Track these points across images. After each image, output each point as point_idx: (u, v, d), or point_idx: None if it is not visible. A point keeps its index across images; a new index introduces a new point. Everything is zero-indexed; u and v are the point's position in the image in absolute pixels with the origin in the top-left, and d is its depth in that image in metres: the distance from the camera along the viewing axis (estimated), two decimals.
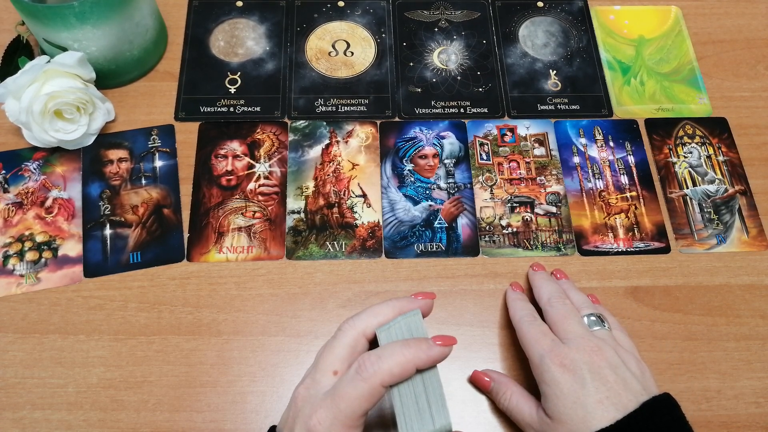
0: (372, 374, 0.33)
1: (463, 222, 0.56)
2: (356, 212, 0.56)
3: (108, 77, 0.60)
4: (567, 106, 0.62)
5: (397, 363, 0.34)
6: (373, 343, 0.38)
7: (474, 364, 0.49)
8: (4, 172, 0.57)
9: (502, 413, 0.47)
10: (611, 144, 0.61)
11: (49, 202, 0.56)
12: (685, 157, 0.60)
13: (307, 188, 0.57)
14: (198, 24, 0.66)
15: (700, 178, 0.59)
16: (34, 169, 0.57)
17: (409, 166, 0.59)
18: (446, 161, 0.59)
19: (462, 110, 0.62)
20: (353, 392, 0.33)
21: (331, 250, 0.55)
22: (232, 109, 0.61)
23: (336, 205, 0.57)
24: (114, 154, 0.58)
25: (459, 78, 0.64)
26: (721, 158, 0.60)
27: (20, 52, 0.60)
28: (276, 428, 0.38)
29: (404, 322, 0.37)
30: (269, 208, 0.56)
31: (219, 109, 0.61)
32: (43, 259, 0.53)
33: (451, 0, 0.69)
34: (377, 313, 0.37)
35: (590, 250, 0.55)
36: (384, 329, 0.37)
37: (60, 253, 0.53)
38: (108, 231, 0.55)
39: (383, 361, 0.34)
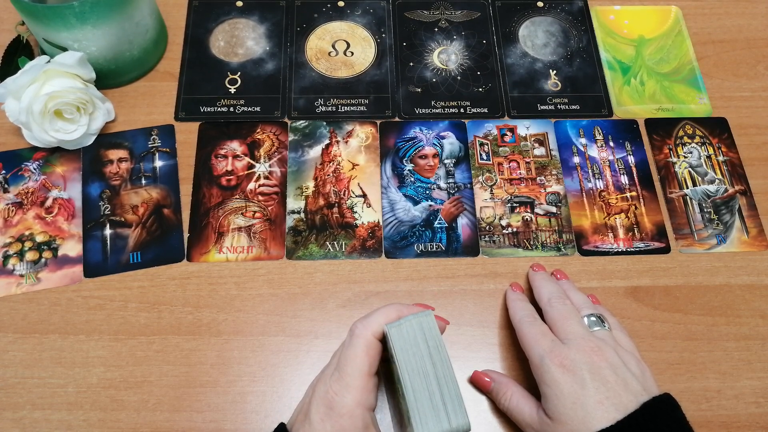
0: (362, 330, 0.38)
1: (463, 222, 0.56)
2: (356, 212, 0.56)
3: (108, 77, 0.60)
4: (567, 106, 0.62)
5: (379, 314, 0.39)
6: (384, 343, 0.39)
7: (474, 364, 0.49)
8: (4, 172, 0.57)
9: (502, 413, 0.47)
10: (611, 144, 0.61)
11: (49, 202, 0.56)
12: (685, 157, 0.60)
13: (307, 188, 0.57)
14: (198, 24, 0.66)
15: (700, 178, 0.59)
16: (34, 169, 0.57)
17: (409, 166, 0.59)
18: (446, 161, 0.59)
19: (462, 110, 0.62)
20: (352, 352, 0.38)
21: (331, 250, 0.55)
22: (232, 109, 0.61)
23: (336, 205, 0.57)
24: (114, 154, 0.58)
25: (459, 78, 0.64)
26: (721, 158, 0.60)
27: (20, 52, 0.60)
28: (286, 424, 0.39)
29: (416, 321, 0.37)
30: (269, 208, 0.56)
31: (219, 109, 0.61)
32: (43, 259, 0.53)
33: (451, 0, 0.69)
34: (388, 312, 0.40)
35: (590, 250, 0.55)
36: (395, 325, 0.37)
37: (60, 253, 0.53)
38: (108, 231, 0.55)
39: (369, 318, 0.39)
